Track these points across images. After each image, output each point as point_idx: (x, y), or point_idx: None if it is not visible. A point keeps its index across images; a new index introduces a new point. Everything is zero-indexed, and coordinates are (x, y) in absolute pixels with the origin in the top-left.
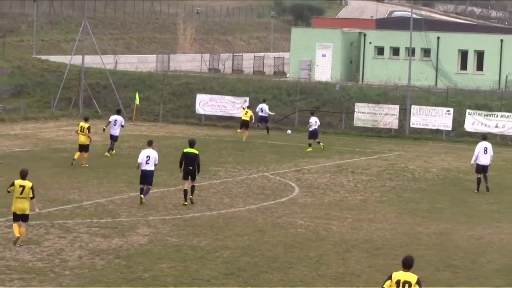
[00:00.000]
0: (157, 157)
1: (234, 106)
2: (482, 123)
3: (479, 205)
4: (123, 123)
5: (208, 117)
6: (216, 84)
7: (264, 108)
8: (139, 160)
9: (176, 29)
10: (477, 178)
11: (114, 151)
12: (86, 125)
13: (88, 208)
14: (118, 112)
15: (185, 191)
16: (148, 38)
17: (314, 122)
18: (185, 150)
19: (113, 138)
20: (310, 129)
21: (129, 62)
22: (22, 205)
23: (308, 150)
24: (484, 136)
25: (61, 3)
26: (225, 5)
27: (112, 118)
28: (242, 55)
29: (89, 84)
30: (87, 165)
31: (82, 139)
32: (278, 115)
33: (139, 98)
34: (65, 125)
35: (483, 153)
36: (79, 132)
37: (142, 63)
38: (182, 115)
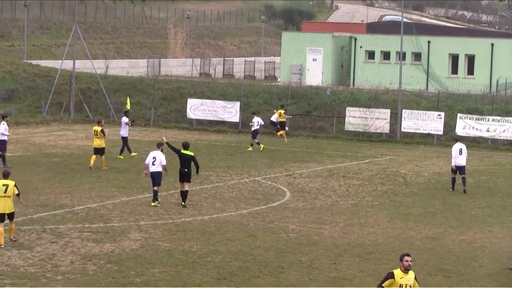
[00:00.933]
0: (163, 159)
1: (225, 111)
2: (473, 127)
3: (471, 210)
4: (126, 122)
5: (199, 122)
6: (207, 88)
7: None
8: (146, 161)
9: (167, 34)
10: (452, 178)
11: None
12: (99, 128)
13: (79, 213)
14: (125, 114)
15: (182, 191)
16: (138, 42)
17: (257, 122)
18: (182, 151)
19: (122, 139)
20: (252, 128)
21: (120, 67)
22: (6, 204)
23: (248, 149)
24: (458, 138)
25: (52, 8)
26: (216, 9)
27: (121, 120)
28: (233, 60)
29: (80, 88)
30: (106, 168)
31: (98, 142)
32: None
33: (130, 102)
34: (56, 130)
35: (458, 154)
36: (93, 136)
37: (132, 67)
38: (173, 119)
